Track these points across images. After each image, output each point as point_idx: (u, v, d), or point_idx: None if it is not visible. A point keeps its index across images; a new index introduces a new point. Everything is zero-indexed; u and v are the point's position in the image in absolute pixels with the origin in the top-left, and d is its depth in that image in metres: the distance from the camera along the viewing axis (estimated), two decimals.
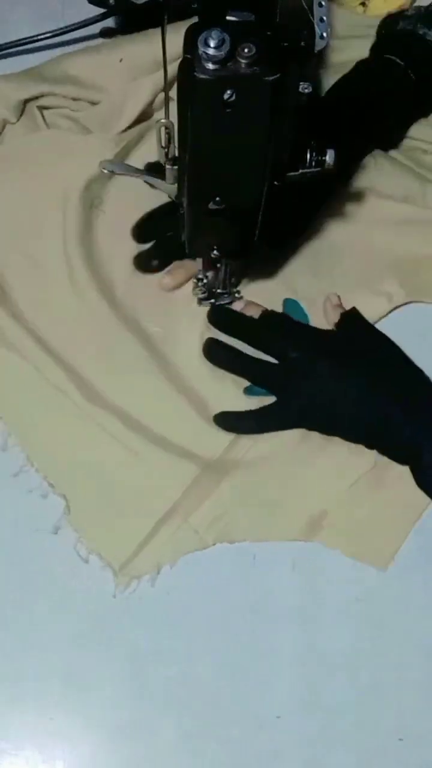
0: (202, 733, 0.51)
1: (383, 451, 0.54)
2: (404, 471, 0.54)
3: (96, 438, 0.56)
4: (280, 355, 0.57)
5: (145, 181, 0.53)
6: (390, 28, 0.64)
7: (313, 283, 0.61)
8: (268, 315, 0.59)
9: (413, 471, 0.53)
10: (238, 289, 0.61)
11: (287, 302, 0.61)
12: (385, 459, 0.54)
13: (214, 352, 0.59)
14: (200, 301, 0.61)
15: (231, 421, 0.57)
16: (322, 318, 0.60)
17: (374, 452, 0.55)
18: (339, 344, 0.57)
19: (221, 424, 0.57)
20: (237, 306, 0.60)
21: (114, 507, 0.55)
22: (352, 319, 0.58)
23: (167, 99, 0.46)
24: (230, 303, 0.61)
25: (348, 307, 0.59)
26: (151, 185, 0.52)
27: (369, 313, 0.59)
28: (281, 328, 0.58)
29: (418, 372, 0.56)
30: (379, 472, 0.56)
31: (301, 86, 0.43)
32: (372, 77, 0.62)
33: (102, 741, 0.51)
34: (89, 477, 0.56)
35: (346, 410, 0.54)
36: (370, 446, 0.55)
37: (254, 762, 0.51)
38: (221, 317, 0.59)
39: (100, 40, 0.70)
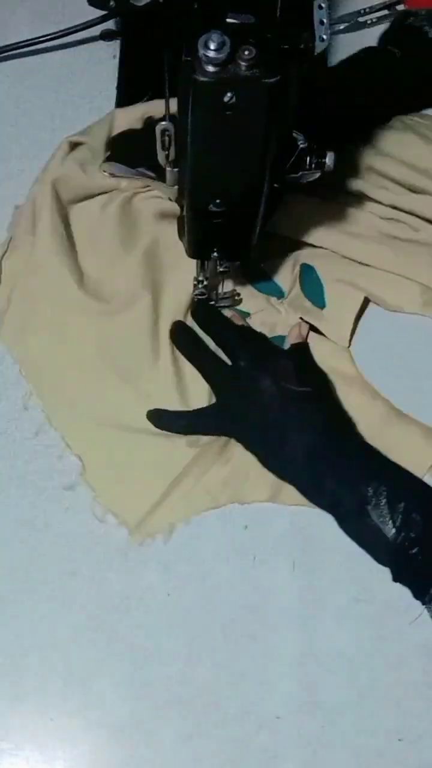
0: (202, 733, 0.51)
1: (301, 492, 0.53)
2: None
3: (114, 396, 0.58)
4: (231, 357, 0.57)
5: (146, 183, 0.53)
6: (399, 23, 0.66)
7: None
8: (245, 328, 0.59)
9: (336, 519, 0.52)
10: (237, 291, 0.61)
11: (304, 267, 0.61)
12: None
13: (179, 336, 0.59)
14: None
15: (164, 420, 0.57)
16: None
17: None
18: (289, 369, 0.55)
19: (154, 422, 0.57)
20: (228, 313, 0.60)
21: (129, 469, 0.57)
22: (303, 351, 0.58)
23: (167, 101, 0.46)
24: (230, 306, 0.61)
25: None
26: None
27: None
28: (244, 335, 0.58)
29: (349, 420, 0.56)
30: None
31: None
32: (364, 63, 0.63)
33: (102, 741, 0.51)
34: (106, 438, 0.57)
35: (276, 438, 0.53)
36: (287, 481, 0.54)
37: (254, 762, 0.51)
38: (201, 312, 0.60)
39: (100, 43, 0.71)
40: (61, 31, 0.68)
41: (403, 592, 0.54)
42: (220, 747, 0.51)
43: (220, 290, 0.60)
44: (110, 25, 0.69)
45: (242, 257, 0.56)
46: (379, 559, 0.50)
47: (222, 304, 0.61)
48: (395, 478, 0.51)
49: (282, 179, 0.50)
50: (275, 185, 0.49)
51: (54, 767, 0.51)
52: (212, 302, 0.60)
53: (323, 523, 0.52)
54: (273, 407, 0.53)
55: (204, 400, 0.58)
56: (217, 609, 0.54)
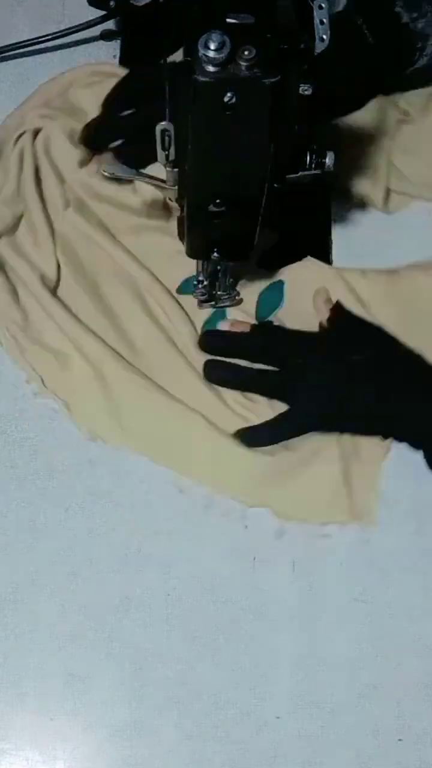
0: (202, 733, 0.51)
1: (399, 439, 0.56)
2: None
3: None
4: (282, 363, 0.57)
5: (146, 183, 0.53)
6: None
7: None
8: (258, 327, 0.59)
9: (427, 454, 0.55)
10: (237, 290, 0.61)
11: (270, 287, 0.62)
12: None
13: (215, 373, 0.58)
14: (200, 303, 0.61)
15: (248, 438, 0.56)
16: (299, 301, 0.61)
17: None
18: (337, 344, 0.57)
19: (243, 442, 0.56)
20: (224, 326, 0.60)
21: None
22: (341, 313, 0.58)
23: (168, 102, 0.46)
24: (230, 305, 0.61)
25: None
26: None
27: None
28: (276, 337, 0.58)
29: (416, 356, 0.56)
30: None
31: (301, 88, 0.43)
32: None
33: (102, 741, 0.51)
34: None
35: (361, 411, 0.55)
36: (385, 436, 0.56)
37: (254, 762, 0.51)
38: (214, 342, 0.59)
39: (100, 43, 0.71)
40: (61, 31, 0.68)
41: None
42: (220, 747, 0.51)
43: (220, 291, 0.60)
44: (110, 25, 0.69)
45: (242, 257, 0.56)
46: None
47: (222, 305, 0.61)
48: None
49: (282, 179, 0.50)
50: (275, 185, 0.49)
51: (54, 767, 0.51)
52: (212, 303, 0.60)
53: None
54: (350, 389, 0.55)
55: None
56: (217, 609, 0.54)
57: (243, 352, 0.58)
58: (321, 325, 0.59)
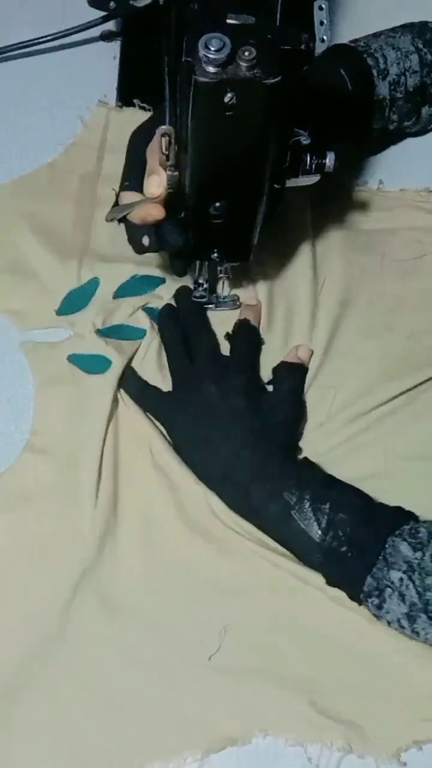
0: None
1: (224, 502, 0.53)
2: None
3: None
4: (192, 355, 0.57)
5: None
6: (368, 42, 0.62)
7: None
8: (240, 324, 0.59)
9: (261, 528, 0.52)
10: (236, 294, 0.61)
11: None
12: None
13: (165, 321, 0.59)
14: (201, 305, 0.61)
15: (132, 380, 0.57)
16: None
17: None
18: (238, 383, 0.55)
19: (127, 381, 0.57)
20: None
21: None
22: (288, 372, 0.57)
23: (168, 105, 0.46)
24: (231, 309, 0.61)
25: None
26: None
27: None
28: (211, 339, 0.58)
29: (288, 439, 0.55)
30: None
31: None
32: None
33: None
34: None
35: (202, 445, 0.54)
36: (211, 490, 0.53)
37: (254, 762, 0.51)
38: (185, 304, 0.60)
39: (100, 43, 0.71)
40: (61, 32, 0.68)
41: None
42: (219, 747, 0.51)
43: (220, 293, 0.60)
44: (110, 26, 0.70)
45: (242, 257, 0.56)
46: (310, 562, 0.50)
47: (222, 308, 0.61)
48: (321, 483, 0.52)
49: (282, 179, 0.50)
50: (275, 185, 0.49)
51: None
52: (212, 305, 0.60)
53: None
54: (207, 414, 0.54)
55: None
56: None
57: (188, 331, 0.59)
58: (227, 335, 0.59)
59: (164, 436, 0.56)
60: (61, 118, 0.68)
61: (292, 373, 0.57)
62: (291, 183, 0.51)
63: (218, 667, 0.50)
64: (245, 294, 0.61)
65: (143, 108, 0.67)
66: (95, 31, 0.69)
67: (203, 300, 0.59)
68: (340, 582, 0.50)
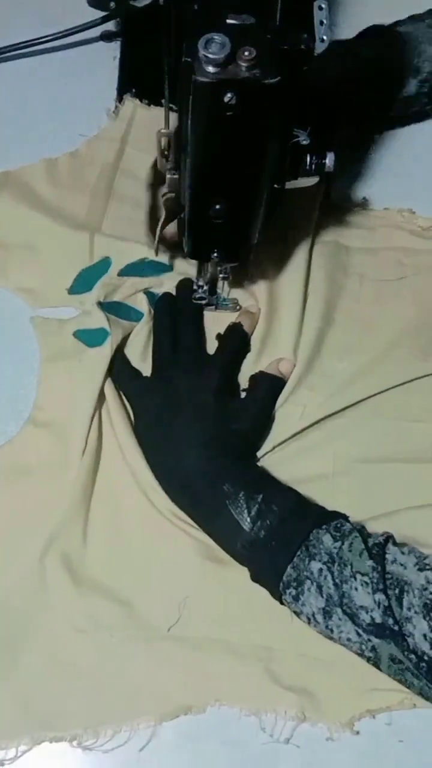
0: (202, 733, 0.51)
1: (165, 491, 0.54)
2: None
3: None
4: (173, 342, 0.58)
5: None
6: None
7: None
8: (232, 327, 0.59)
9: (196, 521, 0.53)
10: (236, 298, 0.61)
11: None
12: None
13: (160, 305, 0.60)
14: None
15: (120, 362, 0.58)
16: None
17: None
18: (210, 381, 0.55)
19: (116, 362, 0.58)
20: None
21: None
22: (265, 382, 0.57)
23: (167, 108, 0.46)
24: (231, 311, 0.61)
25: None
26: None
27: None
28: (196, 334, 0.59)
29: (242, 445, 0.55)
30: None
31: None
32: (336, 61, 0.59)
33: (102, 741, 0.51)
34: None
35: (160, 437, 0.54)
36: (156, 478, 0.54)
37: (254, 762, 0.51)
38: (183, 296, 0.60)
39: (100, 43, 0.71)
40: (61, 32, 0.68)
41: None
42: (220, 747, 0.51)
43: (220, 295, 0.60)
44: (110, 26, 0.70)
45: (242, 258, 0.56)
46: (237, 552, 0.50)
47: (223, 310, 0.61)
48: (260, 478, 0.52)
49: (282, 180, 0.50)
50: (275, 186, 0.49)
51: (54, 766, 0.51)
52: (212, 306, 0.60)
53: None
54: (173, 406, 0.54)
55: None
56: None
57: (178, 320, 0.59)
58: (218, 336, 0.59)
59: (129, 418, 0.56)
60: (60, 118, 0.68)
61: (268, 384, 0.57)
62: (290, 184, 0.51)
63: (176, 638, 0.51)
64: (245, 297, 0.61)
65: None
66: (95, 31, 0.70)
67: (203, 302, 0.59)
68: (261, 574, 0.49)
